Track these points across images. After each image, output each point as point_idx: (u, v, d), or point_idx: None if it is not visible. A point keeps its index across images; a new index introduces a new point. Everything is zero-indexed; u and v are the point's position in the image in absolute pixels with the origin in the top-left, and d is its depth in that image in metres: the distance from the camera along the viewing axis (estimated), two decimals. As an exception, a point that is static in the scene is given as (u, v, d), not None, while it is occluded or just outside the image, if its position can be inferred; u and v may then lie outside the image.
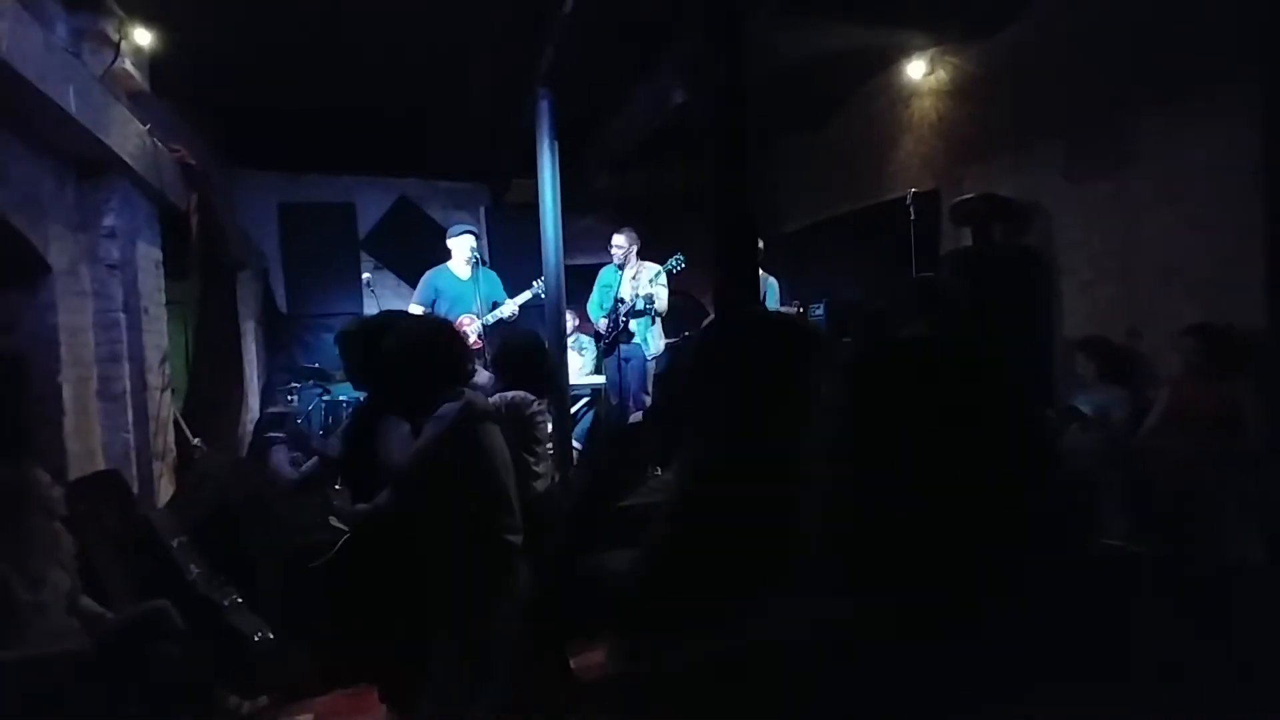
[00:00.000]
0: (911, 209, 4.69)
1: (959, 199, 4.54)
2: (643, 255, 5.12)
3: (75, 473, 2.97)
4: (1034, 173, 4.33)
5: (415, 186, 6.91)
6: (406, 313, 3.86)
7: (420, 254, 5.92)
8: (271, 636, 2.75)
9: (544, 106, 4.30)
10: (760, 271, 5.05)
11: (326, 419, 5.34)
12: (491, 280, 4.82)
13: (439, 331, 2.12)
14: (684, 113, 4.05)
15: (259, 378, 6.25)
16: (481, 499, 1.95)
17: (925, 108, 5.10)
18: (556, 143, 4.38)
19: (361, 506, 2.00)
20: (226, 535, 3.01)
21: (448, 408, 1.92)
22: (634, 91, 4.56)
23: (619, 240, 5.06)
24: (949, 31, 4.71)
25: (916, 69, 4.99)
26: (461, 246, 4.74)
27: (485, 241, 4.98)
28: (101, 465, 3.23)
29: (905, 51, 5.00)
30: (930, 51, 4.92)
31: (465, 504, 1.92)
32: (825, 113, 6.01)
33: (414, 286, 5.56)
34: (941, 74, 4.92)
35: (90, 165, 3.28)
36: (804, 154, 6.54)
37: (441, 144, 6.14)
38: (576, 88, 4.33)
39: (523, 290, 4.83)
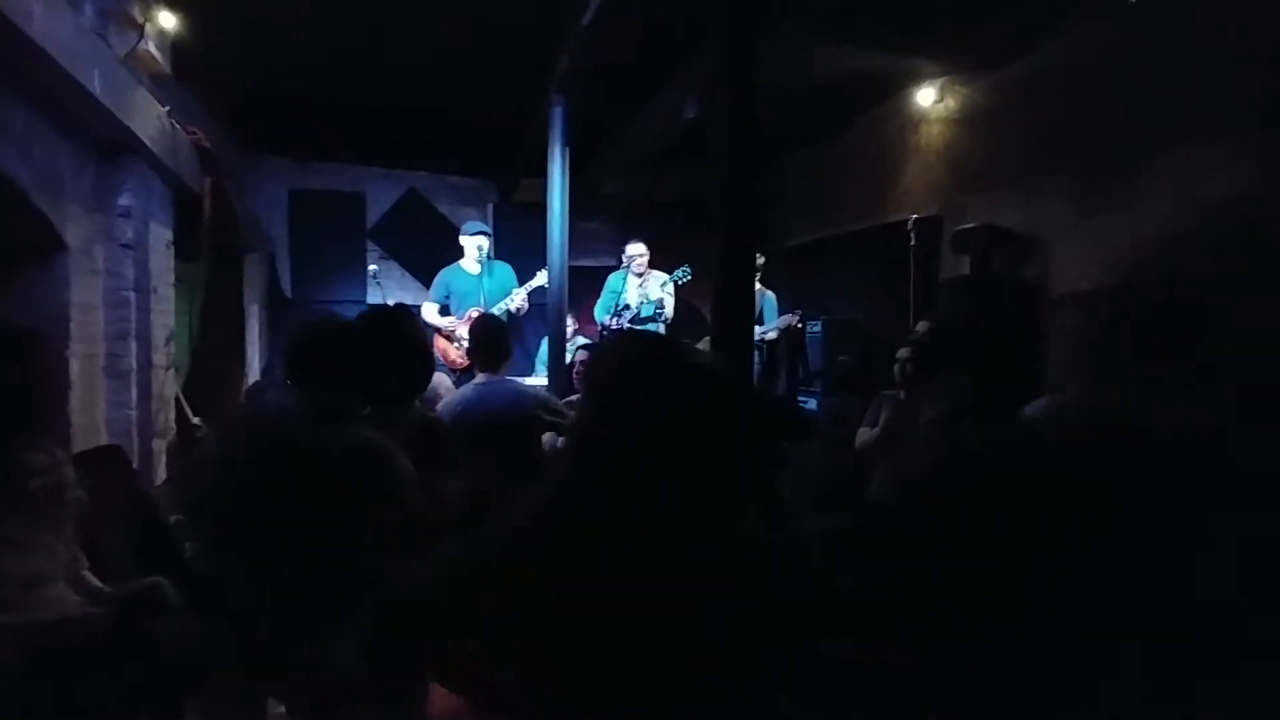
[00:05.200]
0: (912, 234, 4.76)
1: (960, 227, 4.61)
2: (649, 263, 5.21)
3: (78, 446, 3.03)
4: (1040, 205, 4.40)
5: (425, 180, 6.99)
6: None
7: (426, 247, 6.00)
8: (262, 618, 2.80)
9: (557, 112, 4.36)
10: (758, 285, 5.14)
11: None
12: (503, 273, 4.92)
13: None
14: (695, 127, 4.11)
15: (260, 360, 6.32)
16: None
17: (933, 134, 5.18)
18: (568, 148, 4.45)
19: None
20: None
21: None
22: (647, 104, 4.63)
23: (638, 249, 5.14)
24: (960, 61, 4.78)
25: (926, 96, 5.07)
26: (471, 245, 4.85)
27: (491, 238, 5.06)
28: (104, 440, 3.29)
29: (916, 78, 5.07)
30: (941, 80, 4.99)
31: None
32: (835, 131, 6.09)
33: (419, 278, 5.65)
34: (951, 102, 5.00)
35: (110, 146, 3.35)
36: (812, 171, 6.61)
37: (453, 141, 6.22)
38: (590, 96, 4.40)
39: (528, 280, 4.92)
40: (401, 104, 5.42)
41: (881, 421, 3.09)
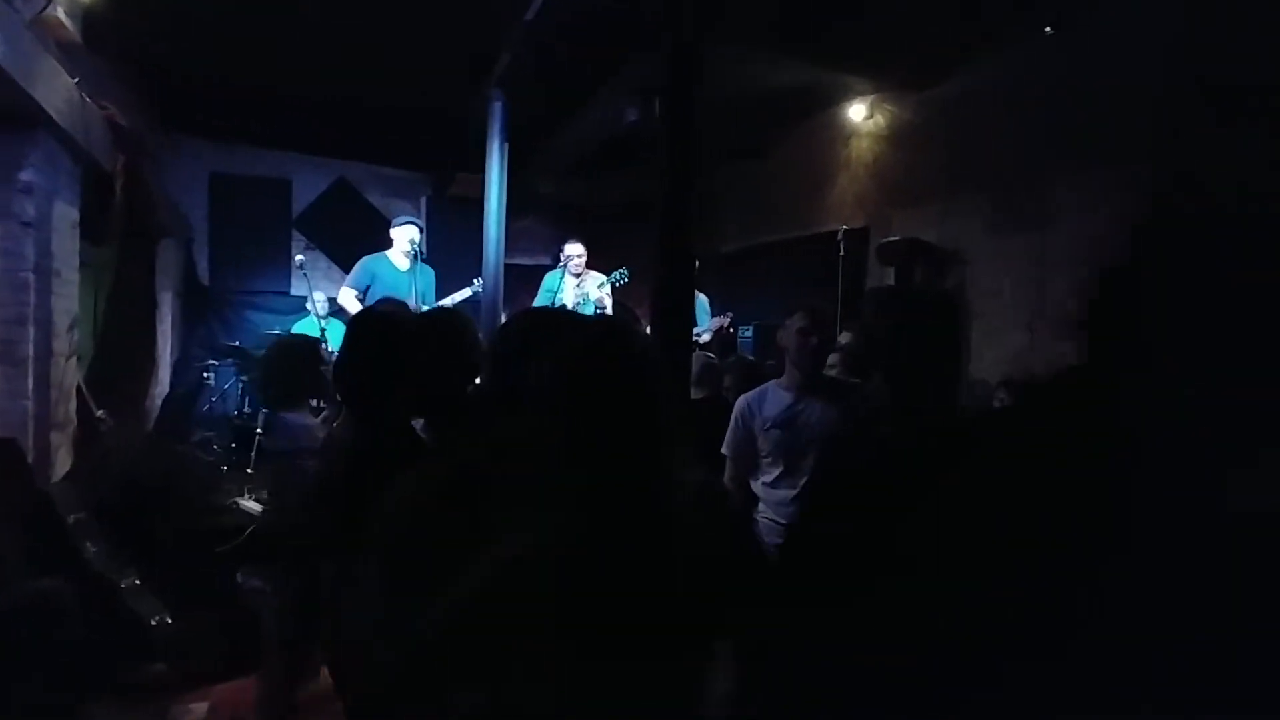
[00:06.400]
0: (841, 244, 4.92)
1: (886, 240, 4.80)
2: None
3: (-33, 438, 2.82)
4: (958, 222, 4.63)
5: (356, 170, 6.79)
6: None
7: (356, 238, 5.83)
8: (170, 620, 2.68)
9: (496, 108, 4.32)
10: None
11: (243, 401, 5.18)
12: (427, 277, 4.80)
13: None
14: (634, 131, 4.15)
15: (173, 351, 6.00)
16: None
17: (863, 149, 5.37)
18: (506, 144, 4.41)
19: None
20: (131, 513, 2.91)
21: None
22: (587, 105, 4.63)
23: (576, 249, 5.12)
24: (889, 80, 4.98)
25: (857, 112, 5.25)
26: (403, 237, 4.71)
27: (424, 233, 4.95)
28: (-4, 432, 3.07)
29: (848, 94, 5.25)
30: (871, 97, 5.18)
31: None
32: (771, 142, 6.23)
33: (346, 270, 5.48)
34: (880, 119, 5.19)
35: (12, 116, 3.13)
36: (748, 179, 6.75)
37: (387, 130, 6.06)
38: (530, 93, 4.38)
39: (461, 288, 4.83)
40: (334, 89, 5.24)
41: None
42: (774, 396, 2.49)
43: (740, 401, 2.56)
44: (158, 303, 5.38)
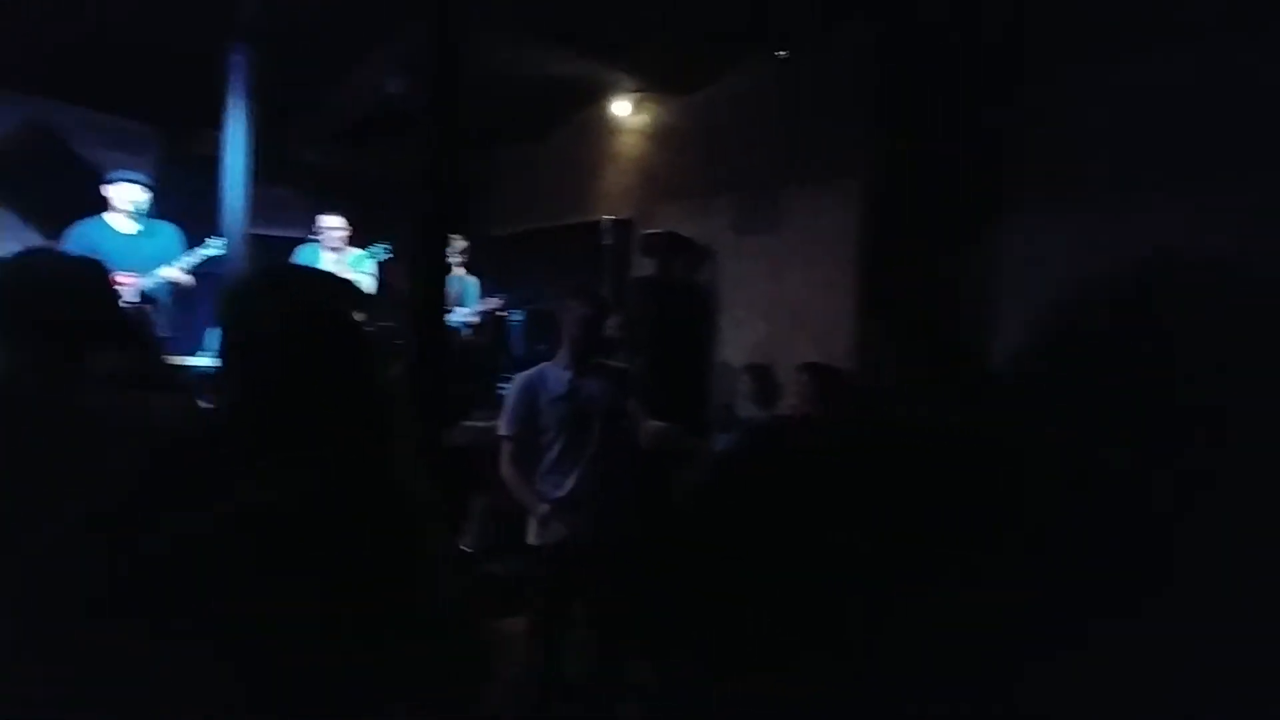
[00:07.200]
0: (606, 234, 5.14)
1: (647, 232, 5.10)
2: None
3: None
4: (711, 219, 5.05)
5: (62, 112, 5.73)
6: None
7: (58, 196, 4.96)
8: None
9: (238, 61, 3.93)
10: (463, 271, 5.16)
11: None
12: (165, 237, 4.23)
13: None
14: (397, 103, 3.99)
15: None
16: None
17: (629, 144, 5.64)
18: (251, 102, 4.02)
19: None
20: None
21: None
22: (346, 70, 4.36)
23: (334, 222, 4.80)
24: (653, 81, 5.28)
25: (623, 108, 5.50)
26: (121, 197, 4.10)
27: (150, 193, 4.33)
28: None
29: (615, 90, 5.48)
30: (638, 95, 5.45)
31: None
32: (544, 129, 6.31)
33: (43, 231, 4.69)
34: (645, 117, 5.49)
35: None
36: (523, 163, 6.77)
37: (108, 68, 5.18)
38: (279, 49, 4.02)
39: (197, 250, 4.30)
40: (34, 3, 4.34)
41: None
42: (554, 374, 2.59)
43: (520, 379, 2.63)
44: None
